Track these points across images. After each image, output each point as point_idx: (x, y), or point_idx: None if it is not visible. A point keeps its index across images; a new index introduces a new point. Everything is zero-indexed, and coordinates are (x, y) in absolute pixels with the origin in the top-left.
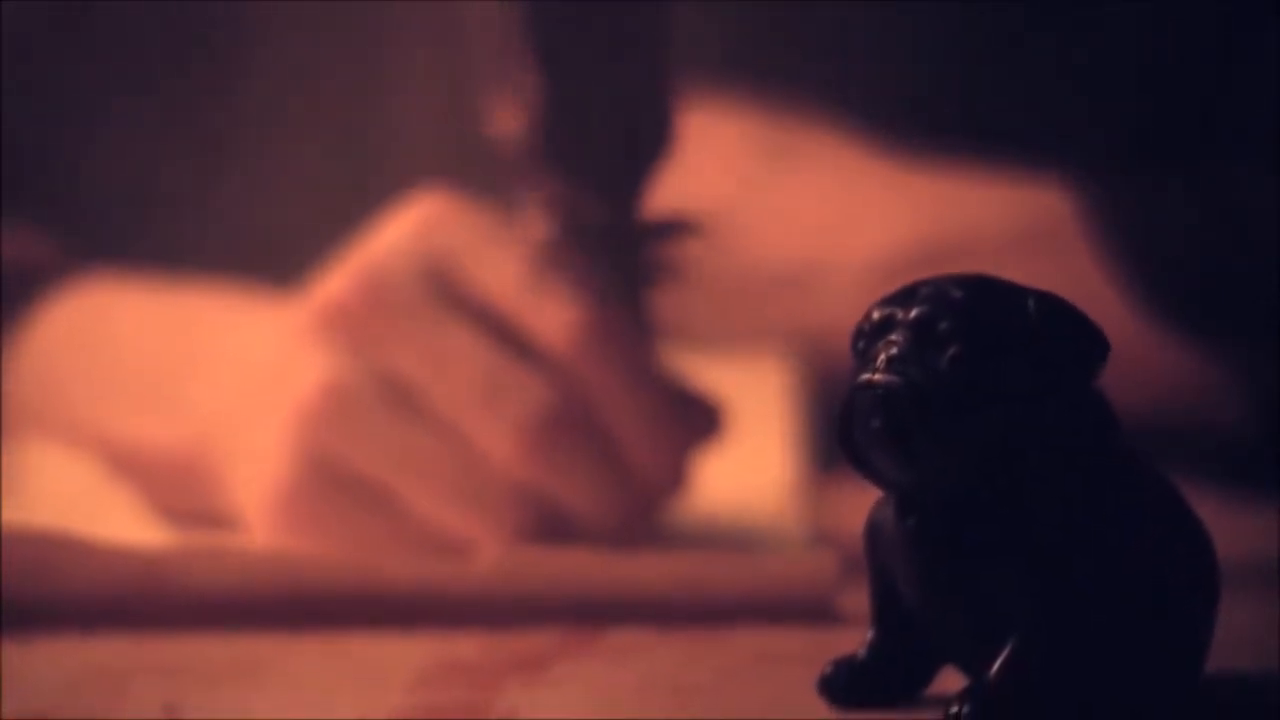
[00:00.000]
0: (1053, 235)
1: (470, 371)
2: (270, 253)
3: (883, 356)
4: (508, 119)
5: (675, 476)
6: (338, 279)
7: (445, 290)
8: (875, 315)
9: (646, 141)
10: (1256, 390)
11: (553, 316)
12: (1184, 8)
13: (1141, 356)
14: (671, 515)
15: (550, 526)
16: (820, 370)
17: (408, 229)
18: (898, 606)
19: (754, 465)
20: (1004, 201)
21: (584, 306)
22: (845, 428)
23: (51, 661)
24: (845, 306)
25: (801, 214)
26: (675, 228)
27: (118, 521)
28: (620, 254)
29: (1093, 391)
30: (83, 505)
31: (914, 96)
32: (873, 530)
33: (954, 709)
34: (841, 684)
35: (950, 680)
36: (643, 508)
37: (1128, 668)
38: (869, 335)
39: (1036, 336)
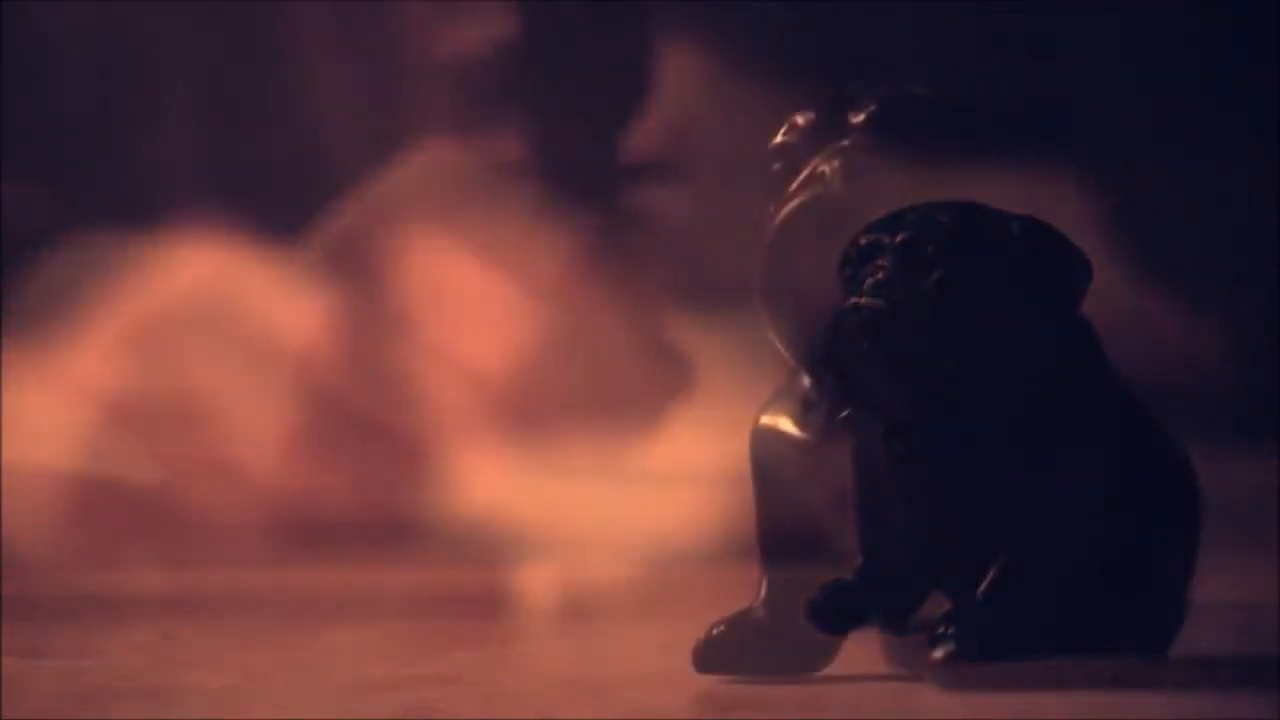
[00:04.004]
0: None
1: (467, 301)
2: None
3: (870, 281)
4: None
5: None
6: (343, 219)
7: (446, 229)
8: (862, 241)
9: (624, 80)
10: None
11: (544, 256)
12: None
13: (1140, 324)
14: None
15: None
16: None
17: (411, 174)
18: (885, 533)
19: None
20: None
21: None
22: (830, 351)
23: (50, 595)
24: None
25: None
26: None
27: (116, 466)
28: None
29: (1079, 319)
30: (80, 451)
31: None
32: (859, 458)
33: (940, 629)
34: (829, 609)
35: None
36: None
37: (1109, 592)
38: (856, 261)
39: (1021, 259)
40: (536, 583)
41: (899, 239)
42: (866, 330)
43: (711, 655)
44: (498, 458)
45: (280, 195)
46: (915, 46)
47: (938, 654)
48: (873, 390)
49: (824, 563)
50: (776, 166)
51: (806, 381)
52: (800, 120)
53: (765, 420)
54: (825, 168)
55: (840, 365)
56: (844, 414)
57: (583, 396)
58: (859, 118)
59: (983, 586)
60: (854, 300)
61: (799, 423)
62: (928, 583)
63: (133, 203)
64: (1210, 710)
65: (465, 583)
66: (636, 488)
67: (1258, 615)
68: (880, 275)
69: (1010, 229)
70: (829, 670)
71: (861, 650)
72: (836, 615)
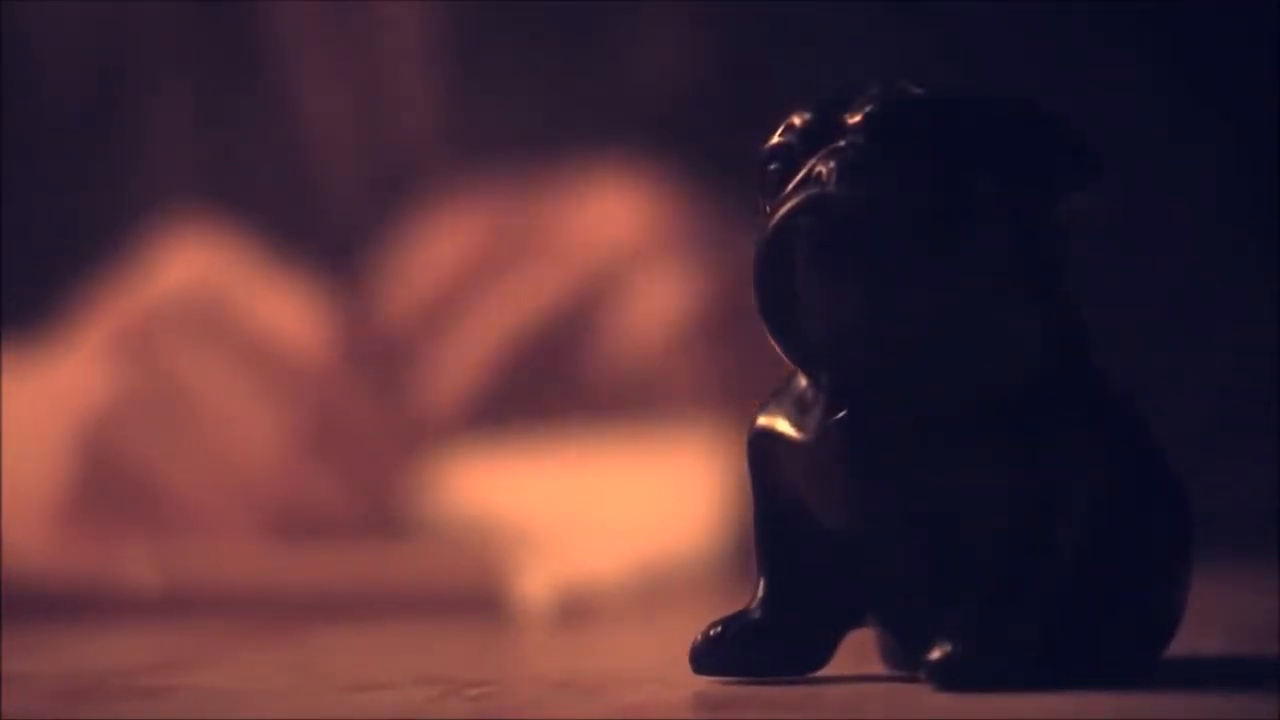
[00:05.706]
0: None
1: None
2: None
3: (831, 166)
4: None
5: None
6: (120, 305)
7: (217, 318)
8: (798, 121)
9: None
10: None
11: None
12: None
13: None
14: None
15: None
16: None
17: (182, 267)
18: (797, 546)
19: None
20: None
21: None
22: (771, 273)
23: (47, 595)
24: None
25: None
26: None
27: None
28: None
29: (1076, 312)
30: (76, 451)
31: None
32: (763, 440)
33: (939, 652)
34: (721, 653)
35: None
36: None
37: (1103, 602)
38: (795, 149)
39: (1019, 146)
40: (531, 583)
41: (867, 113)
42: (840, 230)
43: (707, 656)
44: (494, 457)
45: (274, 196)
46: (915, 46)
47: (935, 655)
48: (833, 319)
49: (820, 562)
50: (773, 167)
51: (803, 382)
52: (797, 121)
53: (762, 421)
54: (822, 168)
55: (779, 294)
56: (839, 415)
57: (581, 394)
58: (856, 118)
59: (985, 593)
60: (813, 193)
61: (795, 424)
62: (854, 614)
63: (124, 203)
64: (1210, 710)
65: (459, 582)
66: (634, 488)
67: (1258, 615)
68: (849, 157)
69: (1002, 108)
70: (826, 670)
71: (859, 651)
72: (728, 661)
